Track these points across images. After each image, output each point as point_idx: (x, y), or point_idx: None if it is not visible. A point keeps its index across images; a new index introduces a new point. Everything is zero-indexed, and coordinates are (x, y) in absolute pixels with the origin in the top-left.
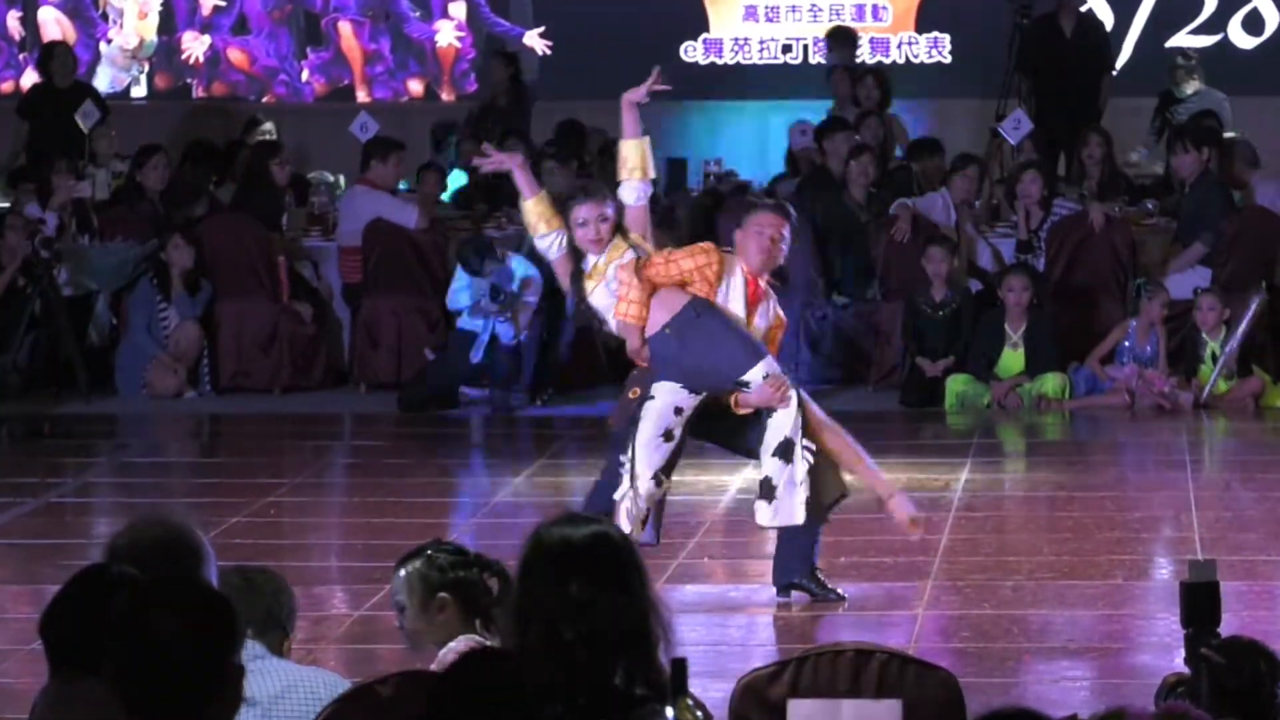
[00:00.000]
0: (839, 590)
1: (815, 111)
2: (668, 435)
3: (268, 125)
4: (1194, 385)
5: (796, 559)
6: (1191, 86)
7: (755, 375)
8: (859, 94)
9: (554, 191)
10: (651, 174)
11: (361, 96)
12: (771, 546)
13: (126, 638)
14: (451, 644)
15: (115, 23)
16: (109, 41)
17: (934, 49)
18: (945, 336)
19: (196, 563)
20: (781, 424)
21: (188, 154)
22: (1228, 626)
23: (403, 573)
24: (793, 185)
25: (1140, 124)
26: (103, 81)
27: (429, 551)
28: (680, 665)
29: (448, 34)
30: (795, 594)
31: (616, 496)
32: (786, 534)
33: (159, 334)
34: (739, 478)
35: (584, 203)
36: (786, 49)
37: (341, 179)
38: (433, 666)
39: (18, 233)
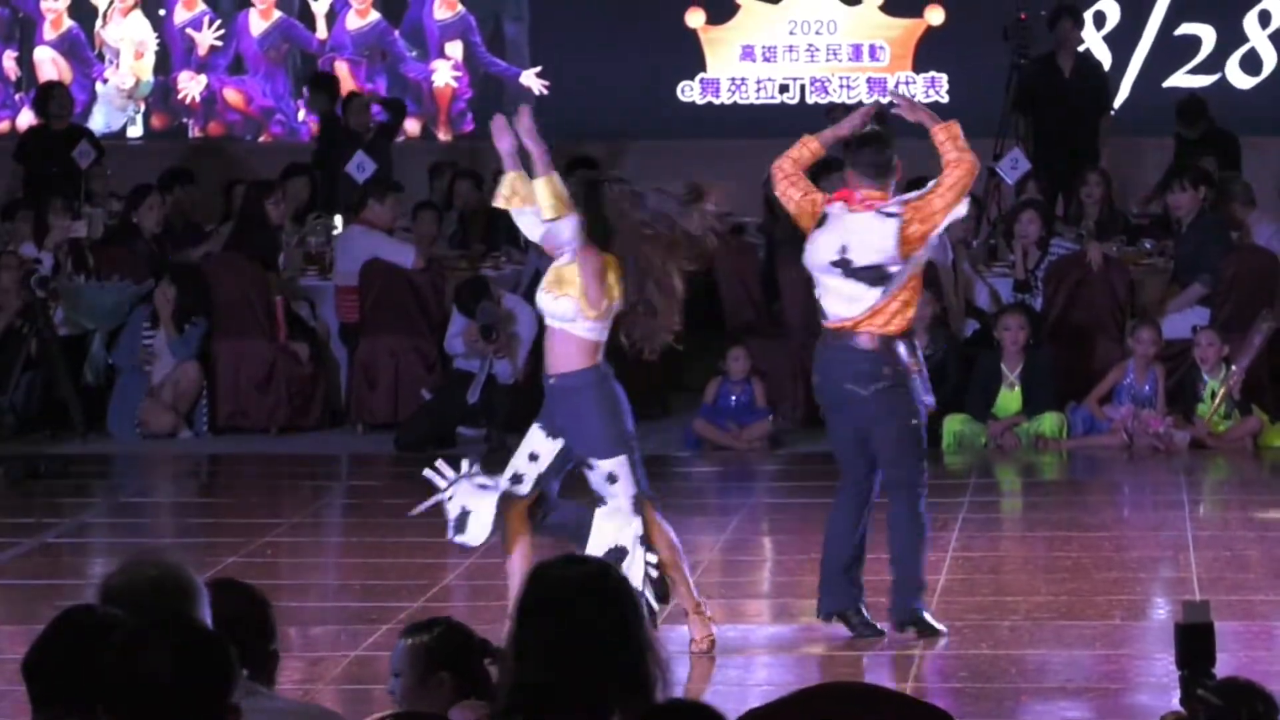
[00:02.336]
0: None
1: None
2: (515, 479)
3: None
4: (1197, 423)
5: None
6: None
7: (604, 466)
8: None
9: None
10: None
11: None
12: (769, 586)
13: (121, 679)
14: (452, 711)
15: (111, 63)
16: (105, 81)
17: (931, 88)
18: (934, 381)
19: (190, 603)
20: (611, 530)
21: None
22: (1226, 667)
23: (409, 643)
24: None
25: (1138, 163)
26: (99, 121)
27: (438, 629)
28: None
29: (444, 74)
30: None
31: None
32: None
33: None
34: (735, 518)
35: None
36: (784, 89)
37: (339, 219)
38: None
39: (13, 273)
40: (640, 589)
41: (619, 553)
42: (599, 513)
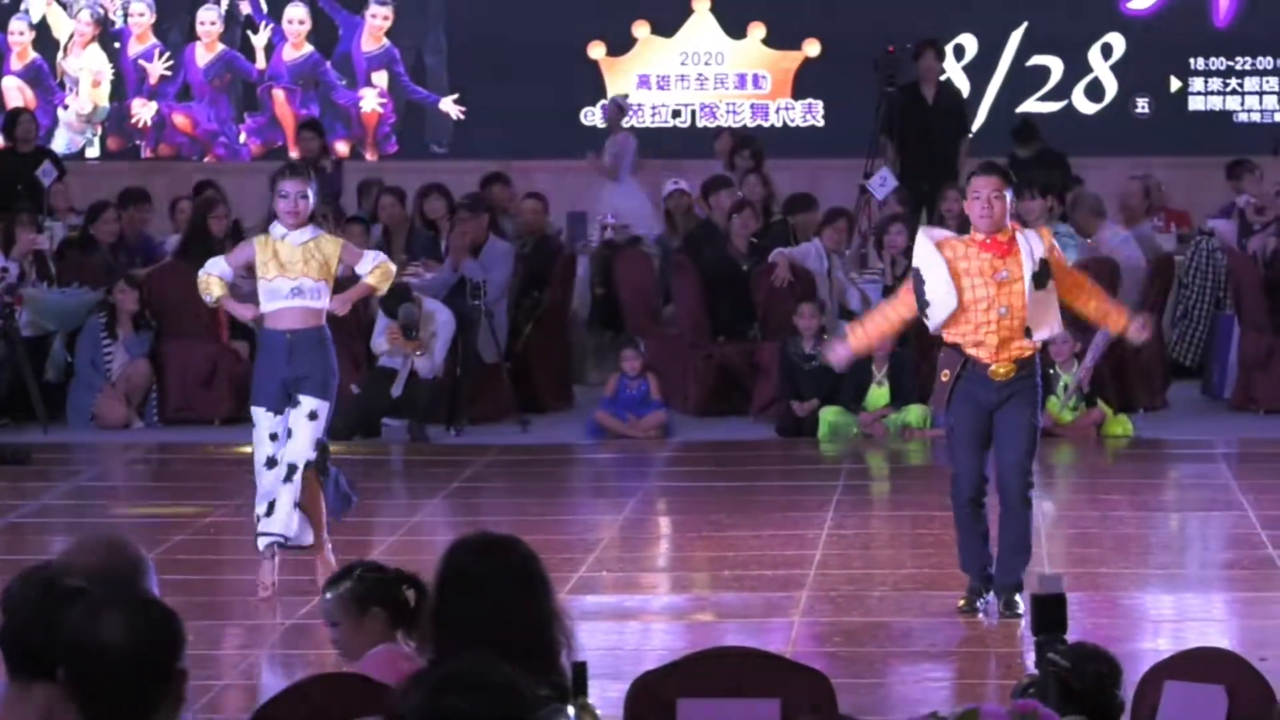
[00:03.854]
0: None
1: (700, 171)
2: (270, 462)
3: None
4: (1046, 413)
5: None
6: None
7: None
8: (736, 160)
9: (471, 237)
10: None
11: (294, 156)
12: (663, 561)
13: (78, 647)
14: (371, 651)
15: (72, 90)
16: (66, 107)
17: (809, 114)
18: (815, 383)
19: (139, 576)
20: (297, 446)
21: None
22: (1075, 633)
23: (335, 593)
24: (677, 240)
25: None
26: (60, 143)
27: (357, 572)
28: (581, 668)
29: (371, 100)
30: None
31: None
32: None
33: (103, 369)
34: (633, 499)
35: (290, 179)
36: (676, 114)
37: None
38: (354, 669)
39: None
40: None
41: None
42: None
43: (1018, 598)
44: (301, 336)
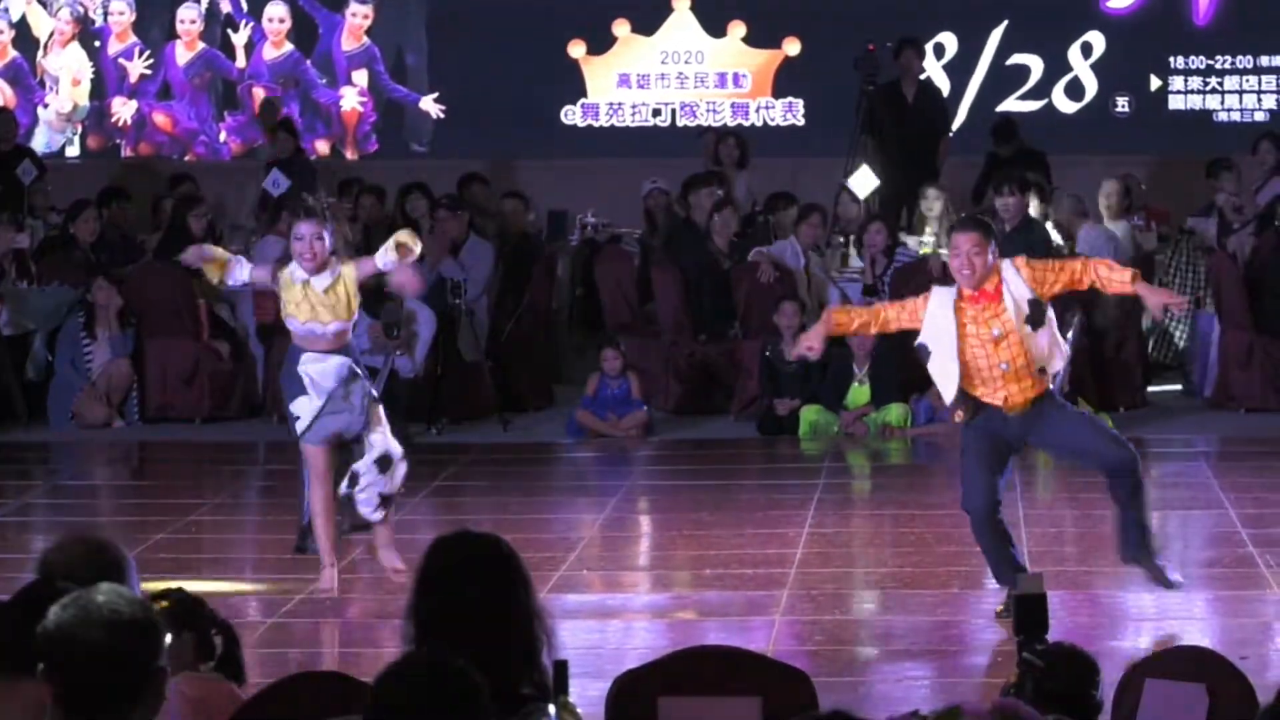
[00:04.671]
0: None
1: (681, 169)
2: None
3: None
4: None
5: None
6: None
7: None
8: (720, 153)
9: (451, 236)
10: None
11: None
12: (644, 559)
13: (59, 645)
14: (183, 673)
15: (52, 89)
16: (46, 106)
17: (789, 112)
18: (797, 383)
19: (120, 575)
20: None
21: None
22: (1053, 632)
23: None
24: (658, 238)
25: (974, 180)
26: (40, 142)
27: (174, 597)
28: (562, 667)
29: (351, 99)
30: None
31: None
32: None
33: (83, 369)
34: (614, 498)
35: (305, 221)
36: (656, 113)
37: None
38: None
39: None
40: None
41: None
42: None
43: (1156, 560)
44: (341, 353)
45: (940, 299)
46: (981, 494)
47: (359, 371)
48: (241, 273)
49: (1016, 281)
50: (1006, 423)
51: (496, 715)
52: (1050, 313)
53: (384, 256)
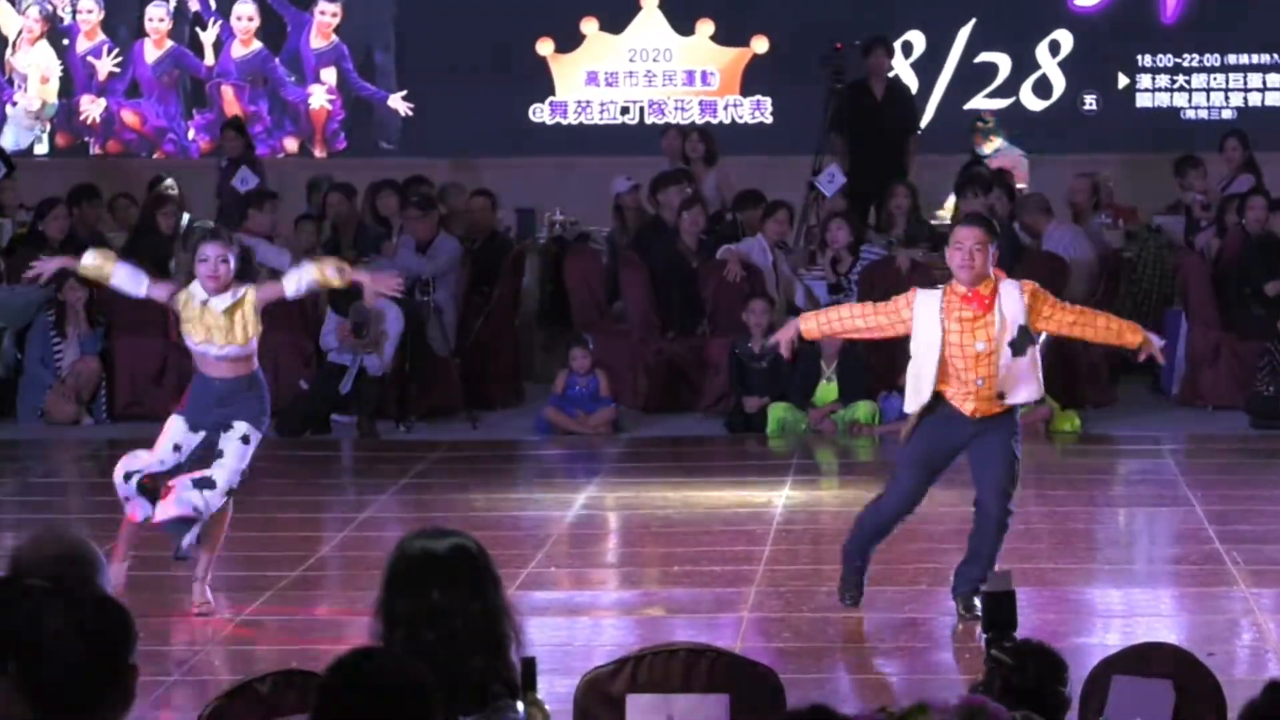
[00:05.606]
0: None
1: (650, 167)
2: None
3: (169, 181)
4: None
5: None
6: (990, 146)
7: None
8: (687, 150)
9: (416, 238)
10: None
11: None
12: (613, 556)
13: (29, 642)
14: None
15: (20, 87)
16: (14, 104)
17: (757, 110)
18: (765, 381)
19: (91, 571)
20: (230, 466)
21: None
22: (1021, 629)
23: None
24: (627, 236)
25: (943, 178)
26: (8, 140)
27: None
28: (530, 664)
29: (320, 97)
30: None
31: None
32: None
33: (53, 366)
34: (583, 495)
35: (210, 242)
36: (624, 110)
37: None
38: None
39: None
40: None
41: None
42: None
43: (975, 600)
44: (233, 384)
45: (927, 303)
46: (898, 507)
47: (232, 425)
48: (138, 287)
49: (1013, 300)
50: (963, 425)
51: (465, 711)
52: (1035, 348)
53: (294, 285)
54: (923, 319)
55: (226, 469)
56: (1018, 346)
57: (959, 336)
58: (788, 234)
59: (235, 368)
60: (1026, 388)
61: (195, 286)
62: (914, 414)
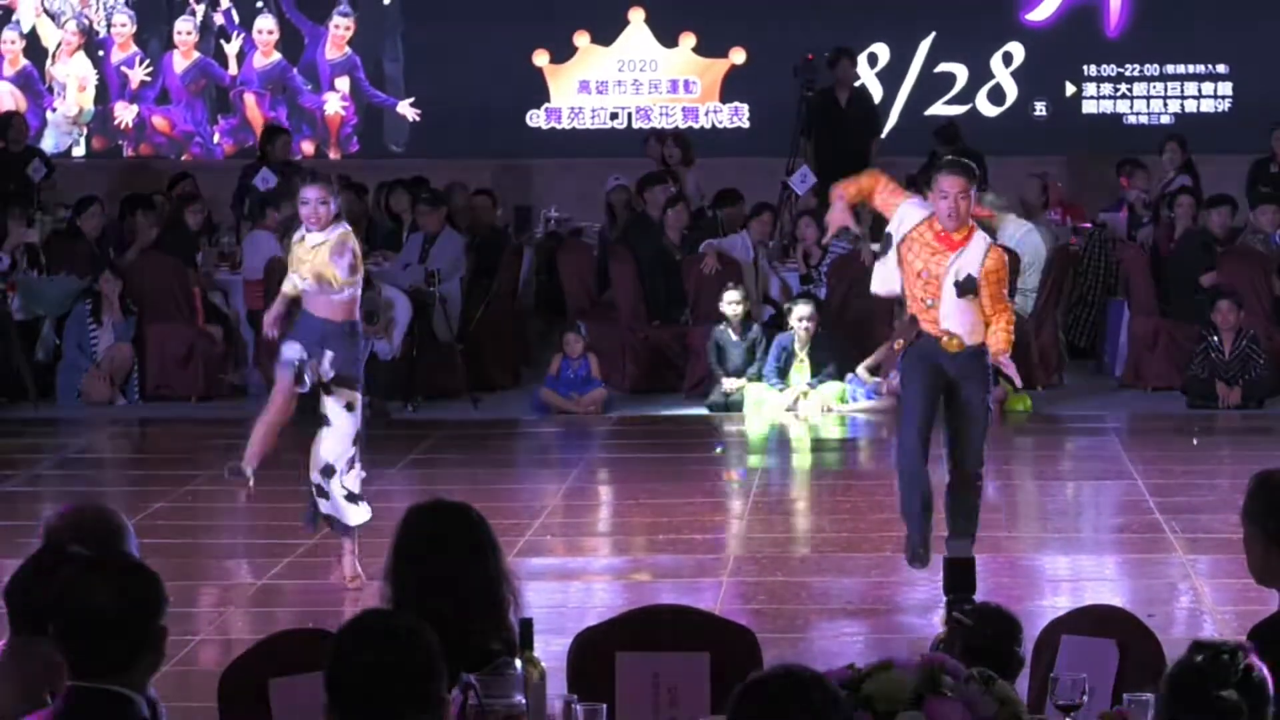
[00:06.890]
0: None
1: (637, 168)
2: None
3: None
4: None
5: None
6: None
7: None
8: (665, 153)
9: (425, 231)
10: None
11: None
12: (603, 526)
13: (68, 606)
14: None
15: (59, 94)
16: (54, 110)
17: (735, 116)
18: (742, 364)
19: (121, 540)
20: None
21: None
22: (980, 593)
23: None
24: (618, 231)
25: (903, 179)
26: (49, 143)
27: None
28: (527, 625)
29: (334, 104)
30: None
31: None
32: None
33: (89, 351)
34: (575, 470)
35: (311, 185)
36: (614, 116)
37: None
38: None
39: None
40: (334, 501)
41: (328, 470)
42: (324, 431)
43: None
44: (332, 327)
45: (914, 211)
46: (914, 452)
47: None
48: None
49: (977, 256)
50: (942, 357)
51: (467, 669)
52: (978, 300)
53: (290, 281)
54: (905, 217)
55: (332, 450)
56: (961, 288)
57: (914, 256)
58: (769, 234)
59: (327, 308)
60: (974, 332)
61: (301, 230)
62: (899, 349)
